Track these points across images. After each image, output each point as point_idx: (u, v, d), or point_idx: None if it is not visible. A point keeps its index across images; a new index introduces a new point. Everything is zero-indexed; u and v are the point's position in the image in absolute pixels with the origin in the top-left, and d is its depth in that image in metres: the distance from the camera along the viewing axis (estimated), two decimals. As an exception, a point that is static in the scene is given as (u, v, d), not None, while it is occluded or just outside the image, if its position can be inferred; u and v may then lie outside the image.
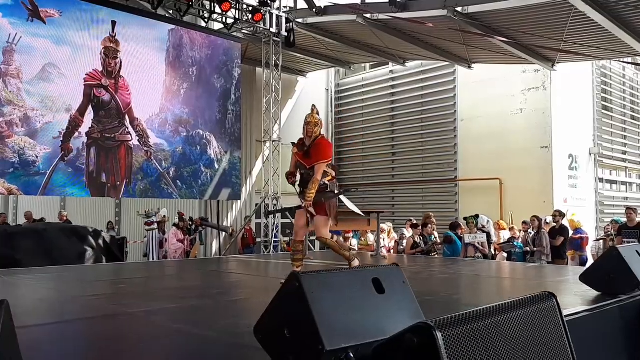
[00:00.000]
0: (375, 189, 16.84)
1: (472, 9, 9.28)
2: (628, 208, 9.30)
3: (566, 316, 3.54)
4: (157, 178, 9.88)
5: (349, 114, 17.93)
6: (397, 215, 15.53)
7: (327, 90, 18.23)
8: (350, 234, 11.01)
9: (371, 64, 16.92)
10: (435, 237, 10.33)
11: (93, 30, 9.44)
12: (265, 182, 12.57)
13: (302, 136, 5.35)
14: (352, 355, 2.28)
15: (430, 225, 10.33)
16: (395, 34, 11.33)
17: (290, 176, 5.45)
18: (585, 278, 4.73)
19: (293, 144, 5.49)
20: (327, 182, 5.24)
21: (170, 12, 10.93)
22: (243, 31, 12.43)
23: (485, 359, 1.43)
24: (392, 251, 10.86)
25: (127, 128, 9.58)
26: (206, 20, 10.95)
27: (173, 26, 10.54)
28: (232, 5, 10.83)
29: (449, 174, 14.64)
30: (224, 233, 13.38)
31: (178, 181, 10.15)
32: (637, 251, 4.90)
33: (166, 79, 10.24)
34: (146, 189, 9.77)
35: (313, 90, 17.56)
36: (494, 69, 13.22)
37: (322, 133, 5.42)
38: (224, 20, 11.21)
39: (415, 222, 10.67)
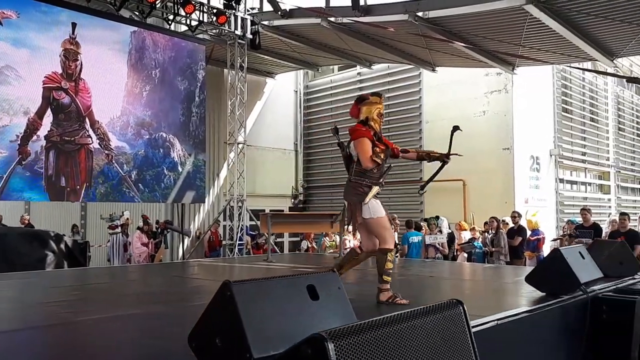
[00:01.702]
0: (342, 190, 16.94)
1: (432, 13, 9.45)
2: (583, 209, 9.59)
3: (503, 318, 3.73)
4: (119, 181, 9.78)
5: (318, 115, 18.02)
6: (363, 216, 15.63)
7: (296, 91, 18.29)
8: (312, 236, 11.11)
9: (339, 66, 17.03)
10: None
11: (52, 32, 9.31)
12: (231, 184, 12.55)
13: (374, 129, 4.51)
14: (279, 362, 2.34)
15: (392, 227, 10.48)
16: (360, 37, 11.45)
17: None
18: (530, 279, 4.89)
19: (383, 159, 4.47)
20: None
21: (134, 14, 10.83)
22: (208, 33, 12.39)
23: (381, 367, 1.50)
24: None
25: (88, 131, 9.47)
26: (170, 22, 10.89)
27: (135, 28, 10.46)
28: (196, 8, 10.79)
29: (414, 175, 14.83)
30: (187, 237, 13.32)
31: (140, 184, 10.07)
32: (580, 252, 5.08)
33: (128, 82, 10.15)
34: (107, 193, 9.67)
35: (282, 91, 17.61)
36: (458, 72, 13.46)
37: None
38: (188, 22, 11.16)
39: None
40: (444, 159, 4.82)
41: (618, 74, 13.85)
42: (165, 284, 6.27)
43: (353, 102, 4.64)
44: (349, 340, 1.44)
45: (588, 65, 13.69)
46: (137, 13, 10.70)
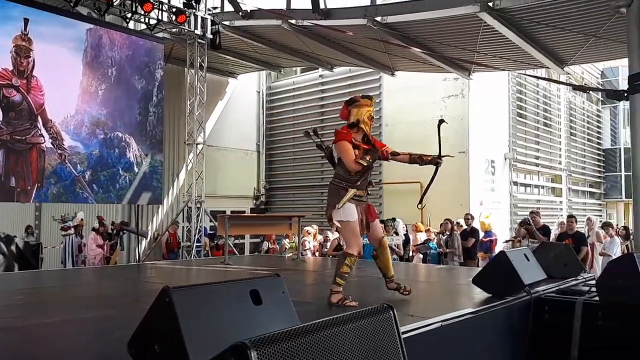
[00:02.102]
0: (305, 191, 17.02)
1: (390, 19, 9.59)
2: (532, 212, 9.90)
3: (448, 319, 3.83)
4: (72, 182, 9.55)
5: (281, 116, 18.03)
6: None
7: (259, 92, 18.24)
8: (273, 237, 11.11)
9: (301, 68, 17.09)
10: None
11: (3, 28, 9.02)
12: (189, 185, 12.43)
13: (365, 131, 4.52)
14: (219, 368, 2.35)
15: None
16: (320, 40, 11.52)
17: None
18: (477, 281, 5.04)
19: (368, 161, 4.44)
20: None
21: (93, 11, 10.59)
22: (168, 31, 12.23)
23: (306, 374, 1.54)
24: (317, 253, 11.06)
25: (40, 130, 9.21)
26: (127, 20, 10.71)
27: (91, 25, 10.23)
28: (155, 6, 10.64)
29: (374, 178, 14.87)
30: (143, 239, 13.12)
31: (94, 185, 9.86)
32: (525, 255, 5.26)
33: (83, 80, 9.92)
34: (59, 193, 9.43)
35: (244, 92, 17.53)
36: (416, 77, 13.68)
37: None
38: (146, 20, 10.99)
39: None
40: (436, 161, 4.81)
41: (568, 82, 14.38)
42: (119, 287, 6.16)
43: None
44: (273, 348, 1.48)
45: (542, 71, 14.16)
46: (95, 10, 10.47)
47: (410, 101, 14.27)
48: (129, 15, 10.59)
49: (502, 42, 9.80)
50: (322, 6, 10.04)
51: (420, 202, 5.07)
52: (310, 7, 10.36)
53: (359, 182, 4.49)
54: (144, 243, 13.74)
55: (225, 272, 7.31)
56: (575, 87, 13.80)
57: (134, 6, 10.45)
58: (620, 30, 7.85)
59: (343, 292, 4.44)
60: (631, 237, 10.91)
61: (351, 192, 4.45)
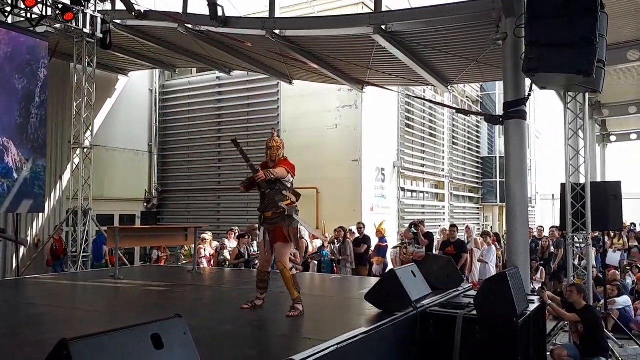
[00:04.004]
0: (200, 195, 16.71)
1: (288, 32, 9.73)
2: (419, 221, 10.56)
3: (343, 341, 4.03)
4: (-60, 190, 8.66)
5: (175, 117, 17.51)
6: (222, 221, 15.60)
7: (152, 90, 17.57)
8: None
9: (197, 67, 16.72)
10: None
11: None
12: (75, 192, 11.71)
13: (266, 160, 5.17)
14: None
15: (252, 236, 10.67)
16: (218, 45, 11.38)
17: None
18: (369, 297, 5.33)
19: (244, 182, 5.17)
20: (284, 207, 4.96)
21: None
22: (53, 27, 11.41)
23: None
24: (212, 261, 10.94)
25: None
26: (6, 14, 9.84)
27: (-36, 18, 9.31)
28: (38, 1, 9.89)
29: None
30: (22, 247, 12.17)
31: (-34, 193, 9.01)
32: (412, 271, 5.66)
33: (-46, 78, 9.02)
34: None
35: (136, 89, 16.83)
36: (313, 85, 13.97)
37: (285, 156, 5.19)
38: (28, 15, 10.17)
39: (240, 232, 10.88)
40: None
41: (451, 105, 15.54)
42: None
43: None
44: None
45: (429, 88, 15.10)
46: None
47: (307, 109, 14.56)
48: (8, 9, 9.74)
49: (393, 61, 10.33)
50: (220, 14, 9.93)
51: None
52: (207, 13, 10.20)
53: (261, 204, 5.08)
54: (23, 251, 12.75)
55: (116, 288, 7.03)
56: (458, 111, 14.94)
57: (13, -1, 9.65)
58: (498, 57, 8.61)
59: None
60: (503, 242, 12.02)
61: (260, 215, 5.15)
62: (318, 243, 11.21)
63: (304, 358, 3.54)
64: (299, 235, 6.61)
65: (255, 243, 11.12)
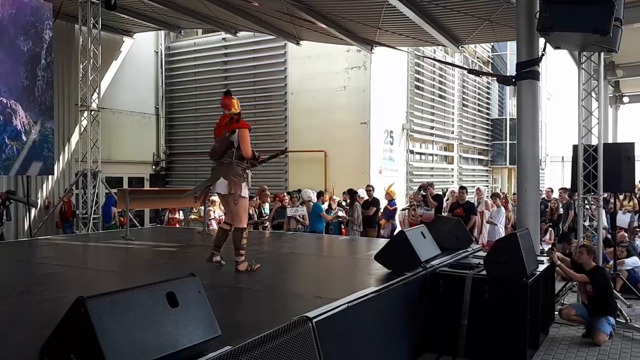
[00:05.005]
0: (207, 157, 16.68)
1: (297, -9, 9.52)
2: (428, 183, 10.53)
3: (354, 300, 4.07)
4: (-50, 152, 8.68)
5: (181, 79, 17.39)
6: (230, 184, 15.63)
7: (157, 52, 17.39)
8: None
9: (203, 29, 16.47)
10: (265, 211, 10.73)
11: None
12: (83, 154, 11.73)
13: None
14: (138, 373, 2.38)
15: (262, 198, 10.75)
16: (224, 5, 11.17)
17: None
18: (378, 258, 5.36)
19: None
20: (234, 166, 5.13)
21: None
22: (56, -14, 11.22)
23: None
24: (221, 223, 11.00)
25: None
26: (8, -27, 9.66)
27: (-34, -21, 9.14)
28: (41, -41, 9.69)
29: (280, 145, 15.06)
30: (33, 209, 12.28)
31: (-23, 155, 9.03)
32: (422, 233, 5.67)
33: (-41, 40, 8.91)
34: (-64, 165, 8.53)
35: (141, 51, 16.66)
36: (321, 46, 13.76)
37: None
38: (30, -26, 9.98)
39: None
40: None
41: (462, 65, 15.20)
42: (9, 271, 5.66)
43: (225, 95, 5.23)
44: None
45: (440, 48, 14.80)
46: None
47: (315, 70, 14.38)
48: (11, -32, 9.56)
49: (403, 20, 10.10)
50: (226, -28, 9.70)
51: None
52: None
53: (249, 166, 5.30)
54: (34, 213, 12.88)
55: (127, 249, 7.11)
56: (470, 71, 14.65)
57: (15, -42, 9.44)
58: (511, 15, 8.38)
59: (247, 259, 5.21)
60: (512, 203, 12.00)
61: (250, 173, 5.29)
62: (326, 204, 11.18)
63: (317, 315, 3.58)
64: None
65: (267, 205, 11.19)
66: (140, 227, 12.26)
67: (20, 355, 2.92)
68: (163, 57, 17.50)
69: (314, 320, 2.91)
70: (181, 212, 11.31)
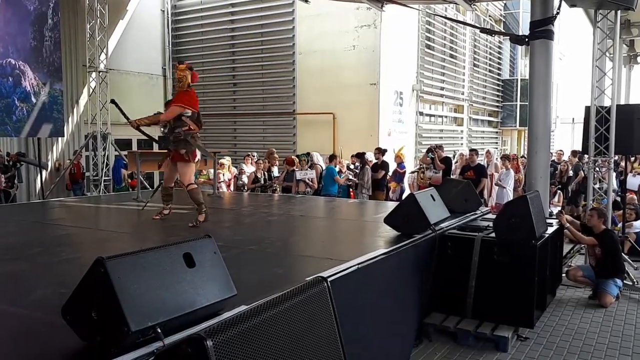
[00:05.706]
0: (216, 120, 16.67)
1: (306, -55, 9.25)
2: (437, 146, 10.48)
3: (363, 262, 4.13)
4: (-40, 114, 8.72)
5: (188, 39, 17.16)
6: (239, 147, 15.68)
7: (163, 11, 17.13)
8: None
9: (209, -14, 16.15)
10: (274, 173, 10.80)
11: None
12: (93, 116, 11.74)
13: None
14: (159, 330, 2.46)
15: (271, 161, 10.81)
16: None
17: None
18: (388, 221, 5.40)
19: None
20: (182, 131, 5.64)
21: None
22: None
23: (258, 356, 1.68)
24: (231, 185, 11.09)
25: None
26: None
27: None
28: None
29: (287, 107, 14.99)
30: (44, 170, 12.40)
31: (-14, 117, 9.07)
32: (431, 195, 5.69)
33: (-37, -1, 8.82)
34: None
35: (147, 10, 16.40)
36: (330, 4, 13.45)
37: (191, 86, 5.72)
38: None
39: (257, 157, 10.99)
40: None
41: (474, 24, 14.84)
42: (25, 232, 5.74)
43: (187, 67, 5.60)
44: (226, 335, 1.60)
45: (452, 6, 14.45)
46: None
47: (323, 29, 14.13)
48: None
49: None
50: None
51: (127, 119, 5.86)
52: None
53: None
54: (44, 174, 13.00)
55: (139, 210, 7.19)
56: (482, 30, 14.33)
57: None
58: (525, -27, 8.16)
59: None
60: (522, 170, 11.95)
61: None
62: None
63: (329, 276, 3.64)
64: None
65: (275, 168, 11.23)
66: (150, 189, 12.37)
67: (40, 311, 3.01)
68: (169, 16, 17.24)
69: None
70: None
